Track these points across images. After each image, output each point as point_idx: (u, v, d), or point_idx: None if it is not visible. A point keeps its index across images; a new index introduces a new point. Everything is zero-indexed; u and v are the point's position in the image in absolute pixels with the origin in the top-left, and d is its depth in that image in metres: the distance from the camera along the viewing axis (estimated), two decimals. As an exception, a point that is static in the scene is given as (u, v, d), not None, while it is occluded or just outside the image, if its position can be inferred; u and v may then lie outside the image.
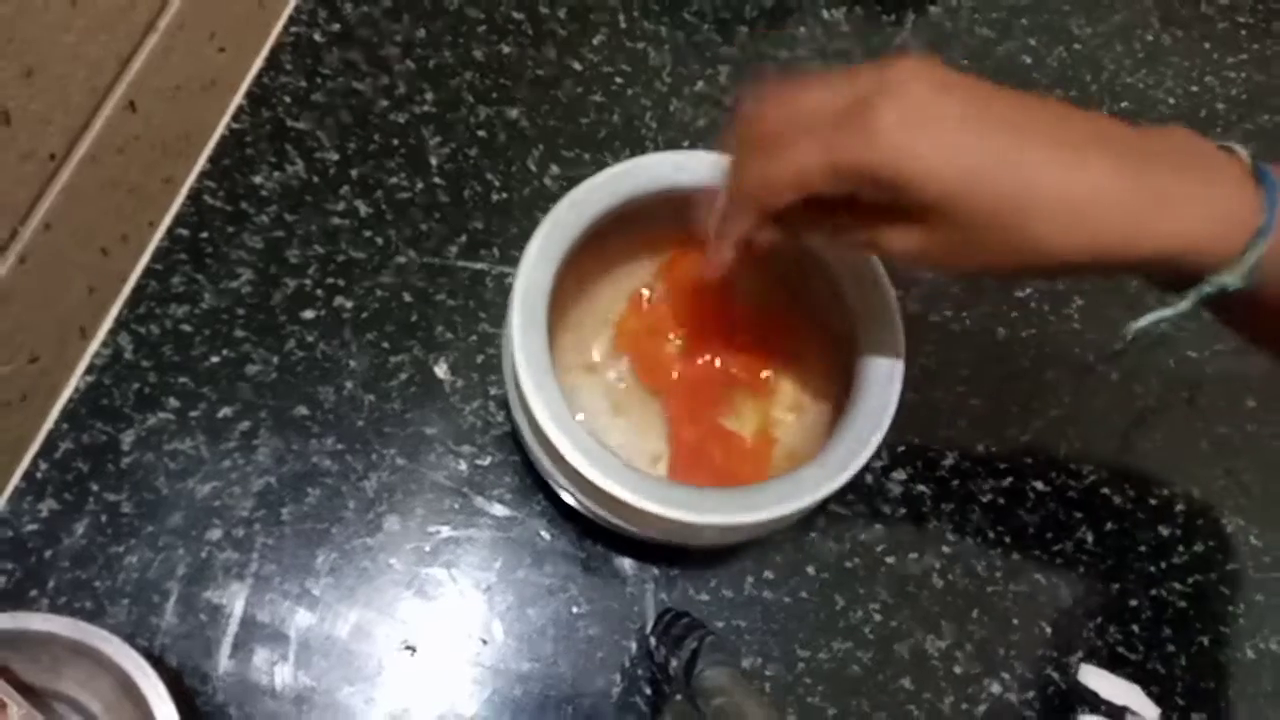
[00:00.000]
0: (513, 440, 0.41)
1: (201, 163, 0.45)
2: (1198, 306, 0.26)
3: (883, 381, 0.33)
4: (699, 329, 0.38)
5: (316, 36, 0.49)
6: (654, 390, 0.38)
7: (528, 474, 0.40)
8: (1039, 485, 0.43)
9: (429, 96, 0.49)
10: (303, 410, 0.40)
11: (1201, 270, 0.25)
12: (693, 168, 0.36)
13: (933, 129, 0.24)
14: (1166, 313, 0.27)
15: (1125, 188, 0.24)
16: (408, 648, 0.37)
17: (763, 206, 0.27)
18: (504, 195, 0.47)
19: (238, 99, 0.47)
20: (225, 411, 0.40)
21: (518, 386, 0.32)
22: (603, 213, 0.35)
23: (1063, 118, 0.25)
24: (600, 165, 0.47)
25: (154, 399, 0.40)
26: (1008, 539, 0.42)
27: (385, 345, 0.42)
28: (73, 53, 0.36)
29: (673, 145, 0.49)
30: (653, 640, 0.37)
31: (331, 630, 0.37)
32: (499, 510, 0.40)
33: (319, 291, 0.43)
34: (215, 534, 0.38)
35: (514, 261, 0.45)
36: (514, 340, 0.32)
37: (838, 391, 0.36)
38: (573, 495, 0.35)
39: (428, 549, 0.39)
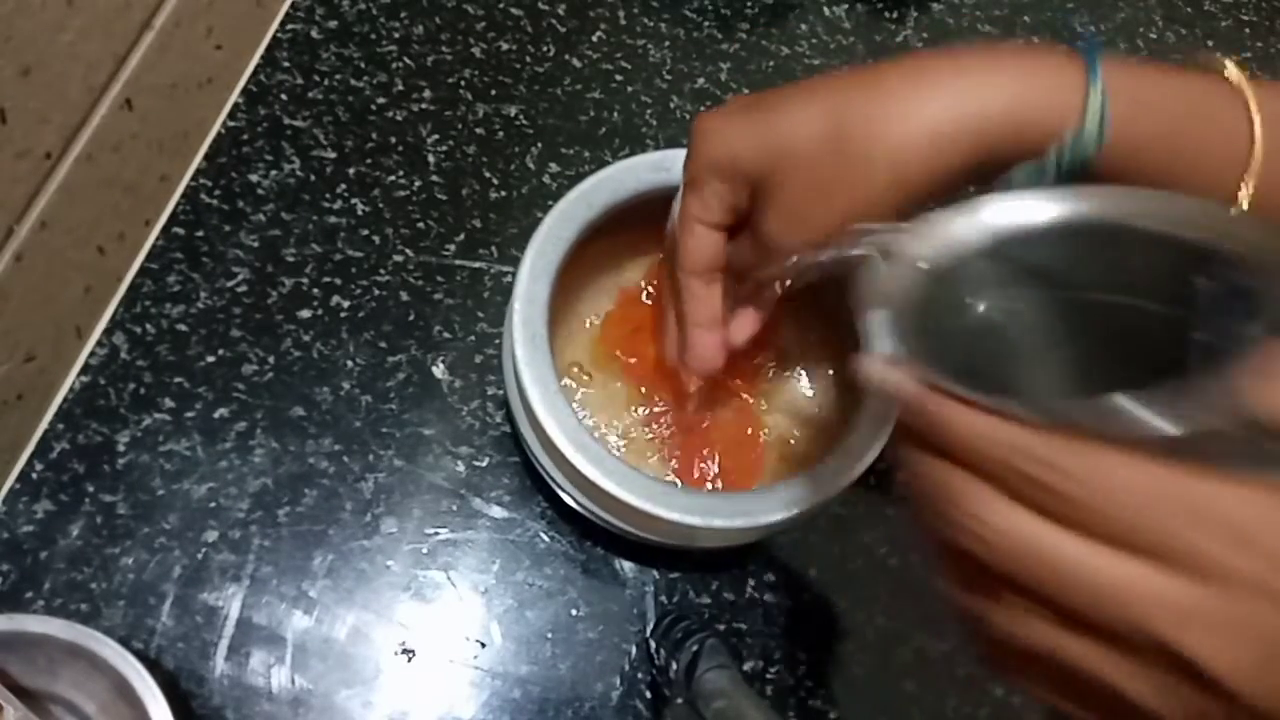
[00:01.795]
0: (511, 441, 0.40)
1: (198, 161, 0.45)
2: (1069, 172, 0.25)
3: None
4: None
5: (314, 33, 0.49)
6: (645, 389, 0.38)
7: (526, 475, 0.40)
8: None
9: (427, 94, 0.48)
10: (299, 411, 0.40)
11: (1047, 138, 0.24)
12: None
13: (736, 115, 0.27)
14: (1030, 165, 0.25)
15: (944, 84, 0.24)
16: (405, 651, 0.37)
17: (694, 265, 0.29)
18: (503, 193, 0.46)
19: (234, 96, 0.47)
20: (221, 412, 0.40)
21: (519, 386, 0.32)
22: (606, 209, 0.35)
23: (885, 64, 0.26)
24: (600, 163, 0.47)
25: (150, 399, 0.40)
26: (1011, 540, 0.42)
27: (383, 345, 0.42)
28: (70, 51, 0.36)
29: (673, 143, 0.49)
30: (653, 643, 0.36)
31: (329, 633, 0.36)
32: (497, 512, 0.39)
33: (316, 291, 0.43)
34: (211, 535, 0.37)
35: (513, 260, 0.45)
36: (514, 339, 0.32)
37: (840, 393, 0.36)
38: (573, 497, 0.34)
39: (425, 551, 0.38)
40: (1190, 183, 0.25)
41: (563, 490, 0.35)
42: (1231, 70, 0.25)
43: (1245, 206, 0.24)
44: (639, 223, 0.37)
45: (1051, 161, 0.25)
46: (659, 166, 0.35)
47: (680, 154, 0.35)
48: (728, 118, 0.27)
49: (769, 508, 0.31)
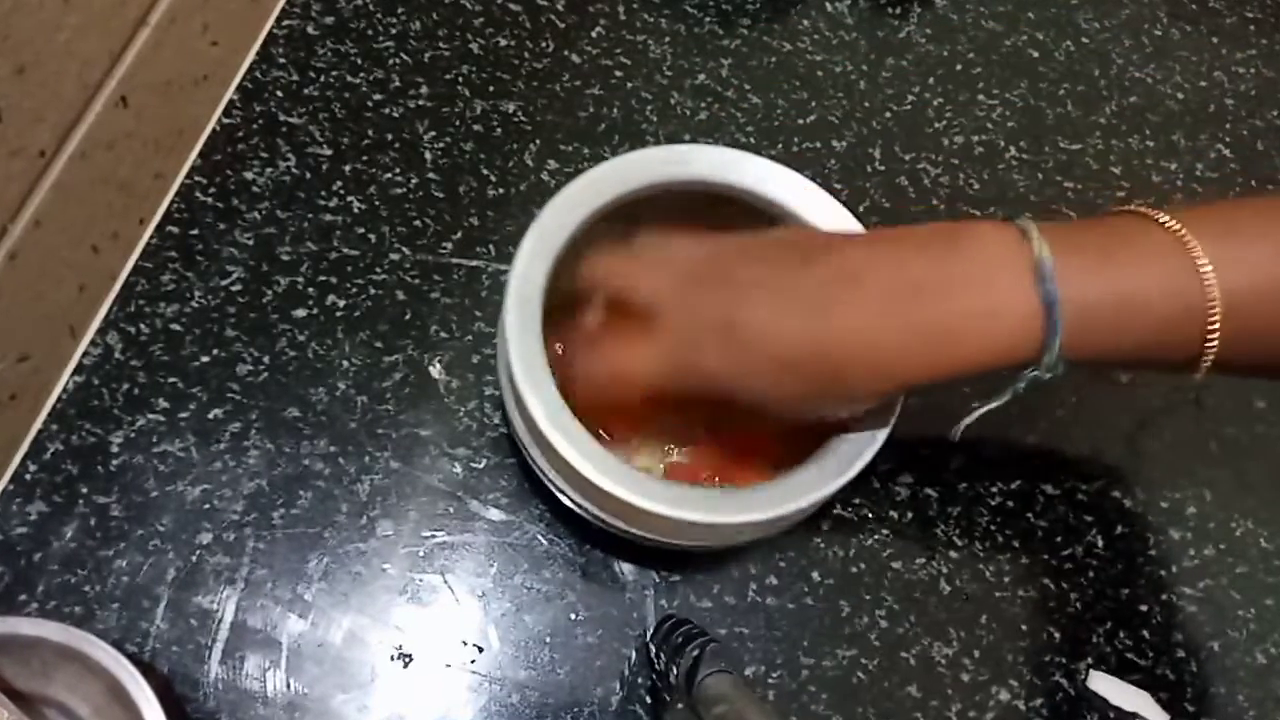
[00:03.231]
0: (509, 442, 0.40)
1: (192, 158, 0.45)
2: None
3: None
4: None
5: (310, 29, 0.49)
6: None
7: (525, 477, 0.39)
8: (1048, 488, 0.43)
9: (424, 90, 0.48)
10: (294, 411, 0.40)
11: (1015, 367, 0.27)
12: (695, 162, 0.36)
13: (711, 346, 0.28)
14: (992, 404, 0.29)
15: (912, 334, 0.27)
16: (402, 655, 0.36)
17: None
18: (500, 191, 0.46)
19: (229, 93, 0.46)
20: (215, 412, 0.39)
21: (513, 386, 0.32)
22: (601, 207, 0.34)
23: (847, 275, 0.28)
24: (599, 160, 0.47)
25: (143, 400, 0.39)
26: (1016, 543, 0.41)
27: (378, 345, 0.41)
28: (65, 49, 0.36)
29: (673, 139, 0.49)
30: (653, 648, 0.36)
31: (324, 636, 0.36)
32: (495, 514, 0.39)
33: (311, 290, 0.42)
34: (205, 537, 0.37)
35: (511, 259, 0.44)
36: (509, 338, 0.32)
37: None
38: (570, 497, 0.34)
39: (422, 554, 0.38)
40: (1154, 363, 0.28)
41: (560, 491, 0.34)
42: (1180, 231, 0.26)
43: (1206, 368, 0.27)
44: (640, 216, 0.37)
45: (1009, 394, 0.28)
46: (683, 159, 0.35)
47: (703, 150, 0.35)
48: (702, 353, 0.28)
49: (769, 505, 0.31)
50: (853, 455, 0.32)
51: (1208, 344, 0.26)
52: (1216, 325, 0.26)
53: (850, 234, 0.31)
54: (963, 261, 0.27)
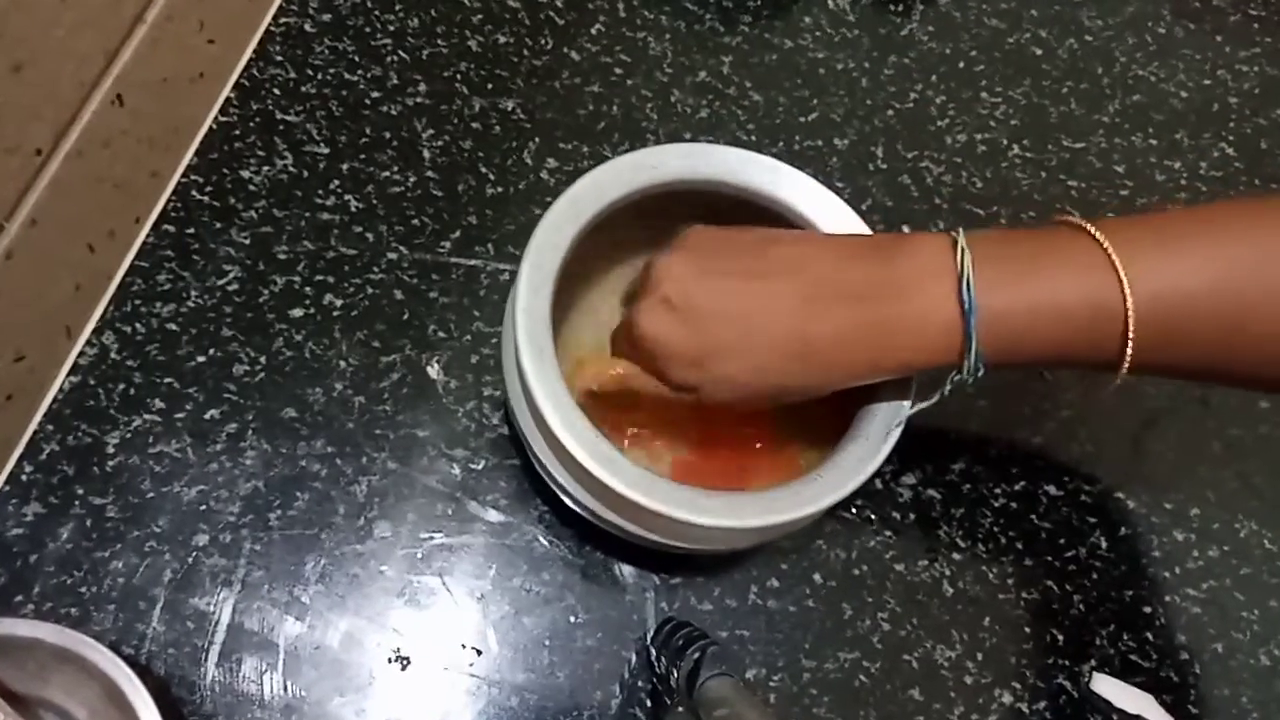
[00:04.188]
0: (508, 443, 0.40)
1: (189, 157, 0.44)
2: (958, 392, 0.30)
3: (894, 384, 0.32)
4: None
5: (307, 26, 0.48)
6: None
7: (524, 478, 0.39)
8: (1051, 490, 0.42)
9: (422, 88, 0.47)
10: (291, 412, 0.39)
11: (942, 369, 0.29)
12: (699, 160, 0.35)
13: (676, 333, 0.30)
14: (923, 404, 0.32)
15: (851, 333, 0.29)
16: (400, 657, 0.36)
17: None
18: (499, 189, 0.46)
19: (226, 91, 0.46)
20: (212, 413, 0.39)
21: (523, 385, 0.31)
22: (610, 204, 0.34)
23: (793, 269, 0.30)
24: (599, 158, 0.47)
25: (139, 400, 0.39)
26: (1019, 545, 0.41)
27: (376, 345, 0.41)
28: (61, 47, 0.36)
29: (674, 137, 0.48)
30: (653, 650, 0.36)
31: (321, 639, 0.36)
32: (494, 516, 0.39)
33: (308, 289, 0.42)
34: (202, 539, 0.37)
35: (510, 258, 0.44)
36: (518, 339, 0.31)
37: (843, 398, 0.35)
38: (573, 498, 0.34)
39: (420, 555, 0.38)
40: (1076, 363, 0.30)
41: (566, 493, 0.34)
42: (1098, 237, 0.28)
43: (1127, 370, 0.28)
44: (644, 216, 0.36)
45: (937, 396, 0.31)
46: (687, 157, 0.35)
47: (707, 148, 0.35)
48: (671, 332, 0.30)
49: (776, 510, 0.30)
50: (864, 458, 0.31)
51: (1126, 347, 0.28)
52: (1134, 331, 0.27)
53: (795, 232, 0.32)
54: (897, 270, 0.29)
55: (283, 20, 0.48)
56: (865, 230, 0.35)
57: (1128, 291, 0.27)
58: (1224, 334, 0.28)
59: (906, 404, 0.33)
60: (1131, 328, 0.27)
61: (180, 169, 0.44)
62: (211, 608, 0.36)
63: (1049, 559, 0.41)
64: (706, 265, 0.30)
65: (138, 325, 0.40)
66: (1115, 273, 0.27)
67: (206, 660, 0.35)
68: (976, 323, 0.28)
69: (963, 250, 0.28)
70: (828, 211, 0.36)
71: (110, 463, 0.38)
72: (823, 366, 0.30)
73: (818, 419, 0.35)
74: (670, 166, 0.35)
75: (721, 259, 0.30)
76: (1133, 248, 0.27)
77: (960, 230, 0.29)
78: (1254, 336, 0.27)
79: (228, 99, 0.46)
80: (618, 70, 0.50)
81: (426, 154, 0.46)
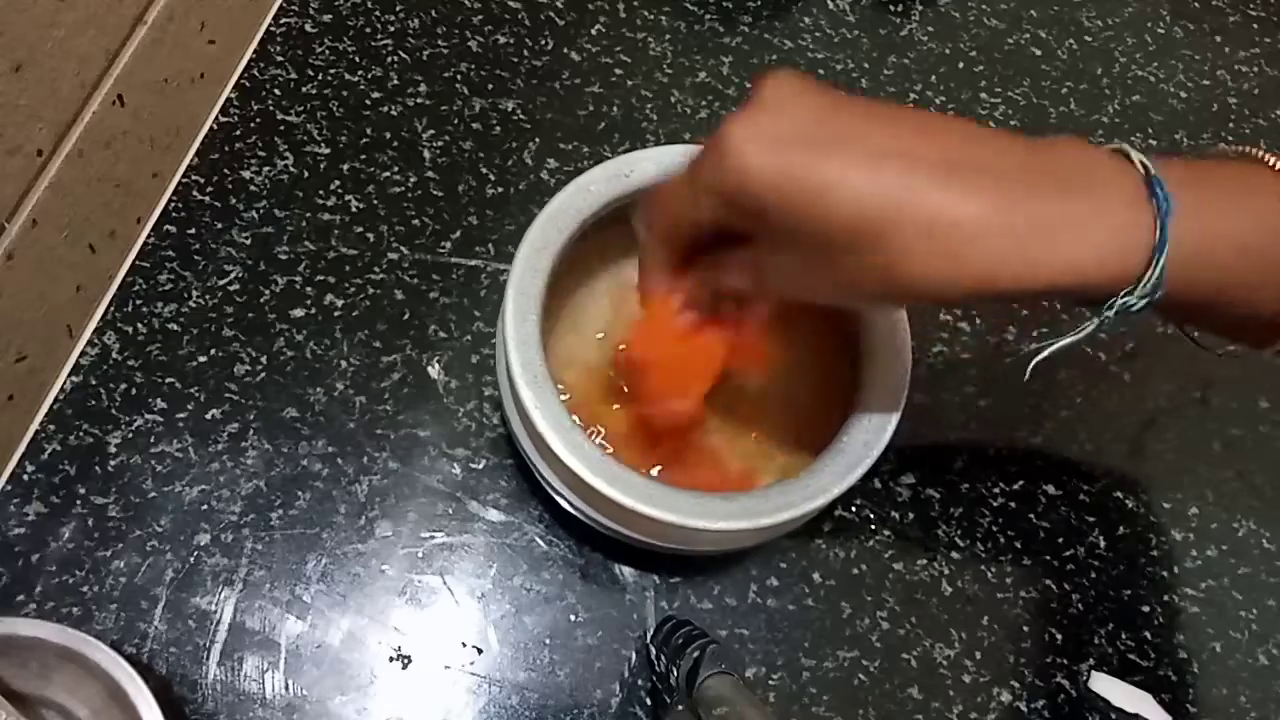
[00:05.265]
0: (508, 443, 0.40)
1: (190, 157, 0.44)
2: (1113, 322, 0.25)
3: (889, 383, 0.33)
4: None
5: (307, 27, 0.48)
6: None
7: (524, 478, 0.39)
8: (1050, 489, 0.43)
9: (422, 88, 0.48)
10: (292, 412, 0.40)
11: (1104, 293, 0.24)
12: (670, 166, 0.35)
13: (781, 147, 0.23)
14: (1069, 339, 0.26)
15: (1003, 217, 0.23)
16: (401, 656, 0.36)
17: (662, 238, 0.28)
18: (499, 189, 0.46)
19: (227, 92, 0.46)
20: (213, 413, 0.39)
21: (512, 389, 0.31)
22: (601, 206, 0.34)
23: (939, 130, 0.24)
24: (599, 158, 0.47)
25: (141, 400, 0.39)
26: (1018, 544, 0.41)
27: (377, 345, 0.41)
28: (61, 47, 0.36)
29: (674, 138, 0.48)
30: (653, 649, 0.36)
31: (322, 638, 0.36)
32: (494, 515, 0.39)
33: (309, 289, 0.42)
34: (203, 539, 0.37)
35: (510, 258, 0.44)
36: (508, 339, 0.31)
37: (838, 396, 0.35)
38: (570, 501, 0.34)
39: (421, 555, 0.38)
40: (1241, 314, 0.25)
41: (562, 497, 0.34)
42: None
43: None
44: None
45: (1093, 323, 0.25)
46: (685, 158, 0.35)
47: (683, 150, 0.35)
48: (774, 151, 0.23)
49: (772, 510, 0.30)
50: (857, 458, 0.31)
51: None
52: None
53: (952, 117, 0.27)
54: (1068, 163, 0.24)
55: (283, 21, 0.48)
56: None
57: None
58: None
59: (896, 415, 0.32)
60: None
61: (181, 169, 0.44)
62: (213, 607, 0.36)
63: (1048, 558, 0.41)
64: (834, 102, 0.24)
65: (139, 325, 0.40)
66: None
67: (208, 659, 0.35)
68: (1171, 227, 0.23)
69: (1139, 159, 0.24)
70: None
71: (112, 462, 0.38)
72: (949, 254, 0.23)
73: (799, 437, 0.35)
74: (643, 172, 0.35)
75: (852, 105, 0.24)
76: None
77: (1118, 141, 0.25)
78: None
79: (228, 99, 0.46)
80: (618, 70, 0.50)
81: (427, 154, 0.46)
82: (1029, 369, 0.27)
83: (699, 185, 0.25)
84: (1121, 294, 0.24)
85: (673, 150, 0.35)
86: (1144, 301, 0.24)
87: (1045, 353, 0.27)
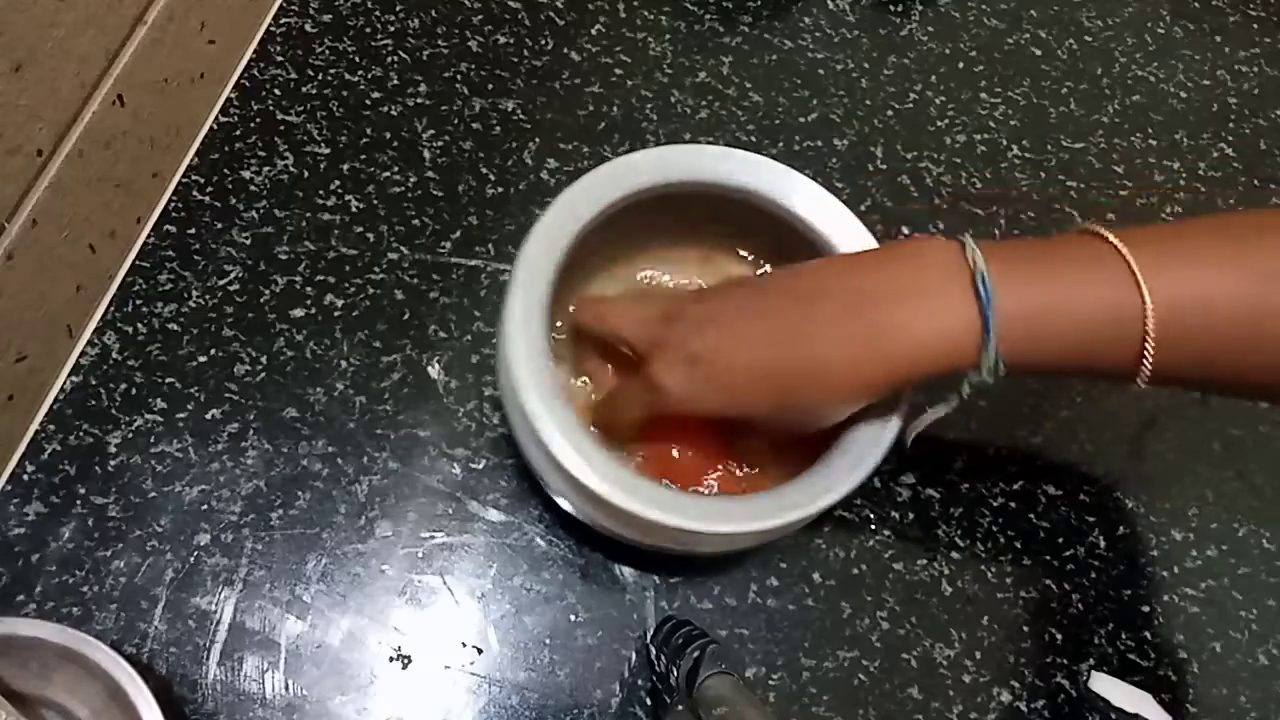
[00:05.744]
0: (508, 443, 0.40)
1: (190, 157, 0.44)
2: (979, 393, 0.29)
3: (884, 402, 0.32)
4: None
5: (307, 27, 0.48)
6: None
7: (524, 478, 0.39)
8: (1050, 489, 0.43)
9: (422, 88, 0.48)
10: (292, 412, 0.40)
11: (966, 367, 0.28)
12: (698, 161, 0.35)
13: (698, 386, 0.31)
14: (940, 411, 0.32)
15: (856, 346, 0.29)
16: (401, 656, 0.36)
17: (616, 424, 0.35)
18: (500, 189, 0.46)
19: (227, 91, 0.46)
20: (213, 413, 0.39)
21: (514, 392, 0.31)
22: (606, 207, 0.34)
23: (797, 299, 0.30)
24: (599, 158, 0.47)
25: (141, 400, 0.39)
26: (1018, 544, 0.41)
27: (377, 345, 0.41)
28: (61, 47, 0.36)
29: (674, 138, 0.48)
30: (653, 649, 0.36)
31: (322, 638, 0.36)
32: (494, 515, 0.39)
33: (309, 289, 0.42)
34: (203, 539, 0.37)
35: (510, 258, 0.44)
36: (511, 340, 0.31)
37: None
38: (570, 502, 0.34)
39: (421, 555, 0.38)
40: (1096, 368, 0.29)
41: (560, 497, 0.34)
42: (1114, 242, 0.28)
43: (1146, 379, 0.28)
44: (638, 218, 0.36)
45: (955, 399, 0.30)
46: (685, 158, 0.35)
47: (706, 149, 0.35)
48: (694, 385, 0.31)
49: (773, 513, 0.30)
50: (858, 460, 0.31)
51: (1145, 354, 0.27)
52: (1152, 337, 0.27)
53: (794, 265, 0.32)
54: (906, 272, 0.29)
55: (283, 21, 0.48)
56: (860, 227, 0.35)
57: (1146, 295, 0.26)
58: (1243, 343, 0.27)
59: (895, 421, 0.32)
60: (1151, 332, 0.27)
61: (181, 169, 0.44)
62: (213, 607, 0.36)
63: (1048, 558, 0.41)
64: (710, 313, 0.31)
65: (139, 325, 0.40)
66: (1133, 275, 0.27)
67: (208, 659, 0.35)
68: (993, 316, 0.27)
69: (972, 250, 0.28)
70: (826, 214, 0.36)
71: (112, 462, 0.38)
72: (837, 383, 0.29)
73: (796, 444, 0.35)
74: (643, 175, 0.35)
75: (725, 304, 0.31)
76: (1149, 252, 0.27)
77: (966, 235, 0.29)
78: (1272, 346, 0.27)
79: (228, 99, 0.46)
80: (618, 71, 0.50)
81: (427, 154, 0.46)
82: (911, 436, 0.32)
83: (655, 411, 0.32)
84: (970, 373, 0.28)
85: (672, 150, 0.35)
86: (990, 378, 0.28)
87: (921, 424, 0.32)
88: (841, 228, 0.35)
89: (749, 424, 0.33)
